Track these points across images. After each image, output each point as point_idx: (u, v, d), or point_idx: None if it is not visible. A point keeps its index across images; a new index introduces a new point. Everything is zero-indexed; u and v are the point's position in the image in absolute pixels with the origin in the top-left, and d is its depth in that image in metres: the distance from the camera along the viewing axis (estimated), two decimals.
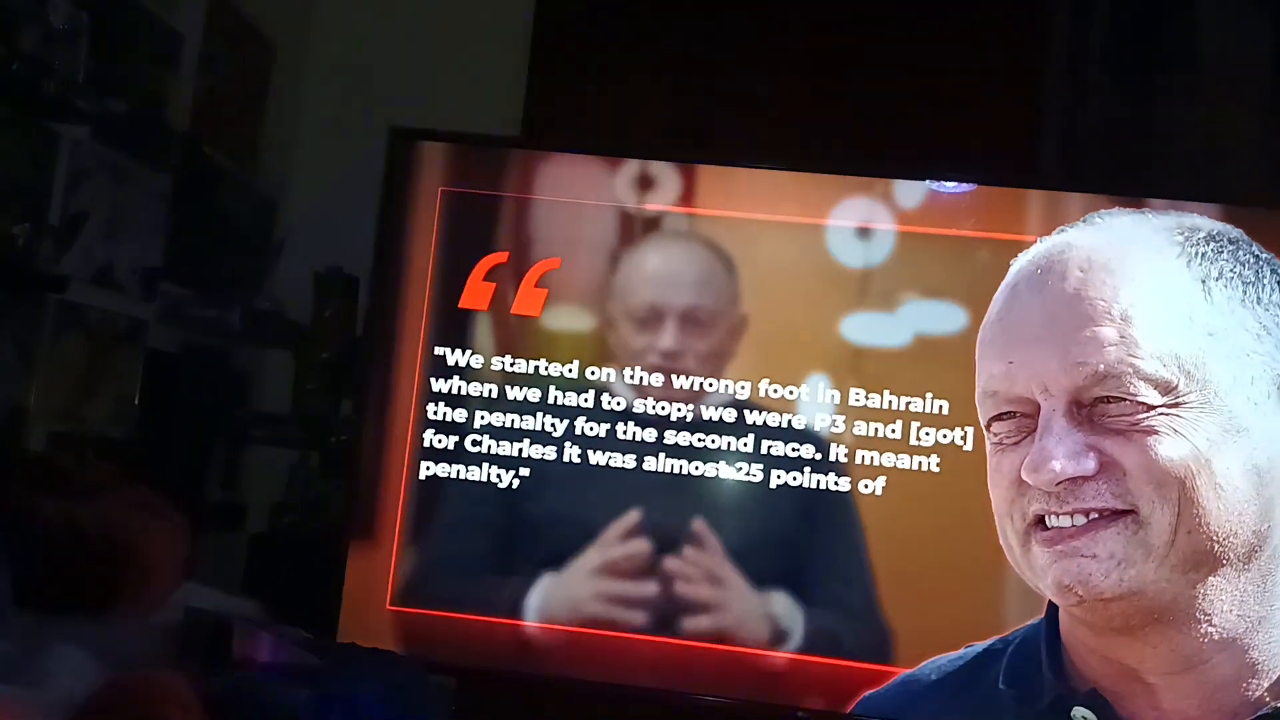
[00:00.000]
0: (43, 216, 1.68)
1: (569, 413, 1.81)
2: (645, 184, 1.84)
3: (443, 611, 1.78)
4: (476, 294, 1.84)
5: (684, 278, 1.83)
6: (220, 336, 2.20)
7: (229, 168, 2.25)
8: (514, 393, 1.81)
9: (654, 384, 1.80)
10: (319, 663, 1.10)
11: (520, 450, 1.79)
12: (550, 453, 1.79)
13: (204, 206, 2.14)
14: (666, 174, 1.84)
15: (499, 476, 1.78)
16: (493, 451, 1.79)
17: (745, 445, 1.76)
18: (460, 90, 2.27)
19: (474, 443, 1.80)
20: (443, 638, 1.76)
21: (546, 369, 1.81)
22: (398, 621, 1.77)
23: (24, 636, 0.94)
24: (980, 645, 1.40)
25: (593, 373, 1.82)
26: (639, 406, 1.80)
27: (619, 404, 1.80)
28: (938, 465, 1.66)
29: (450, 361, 1.82)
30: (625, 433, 1.79)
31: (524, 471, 1.79)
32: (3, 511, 0.99)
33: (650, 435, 1.79)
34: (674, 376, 1.80)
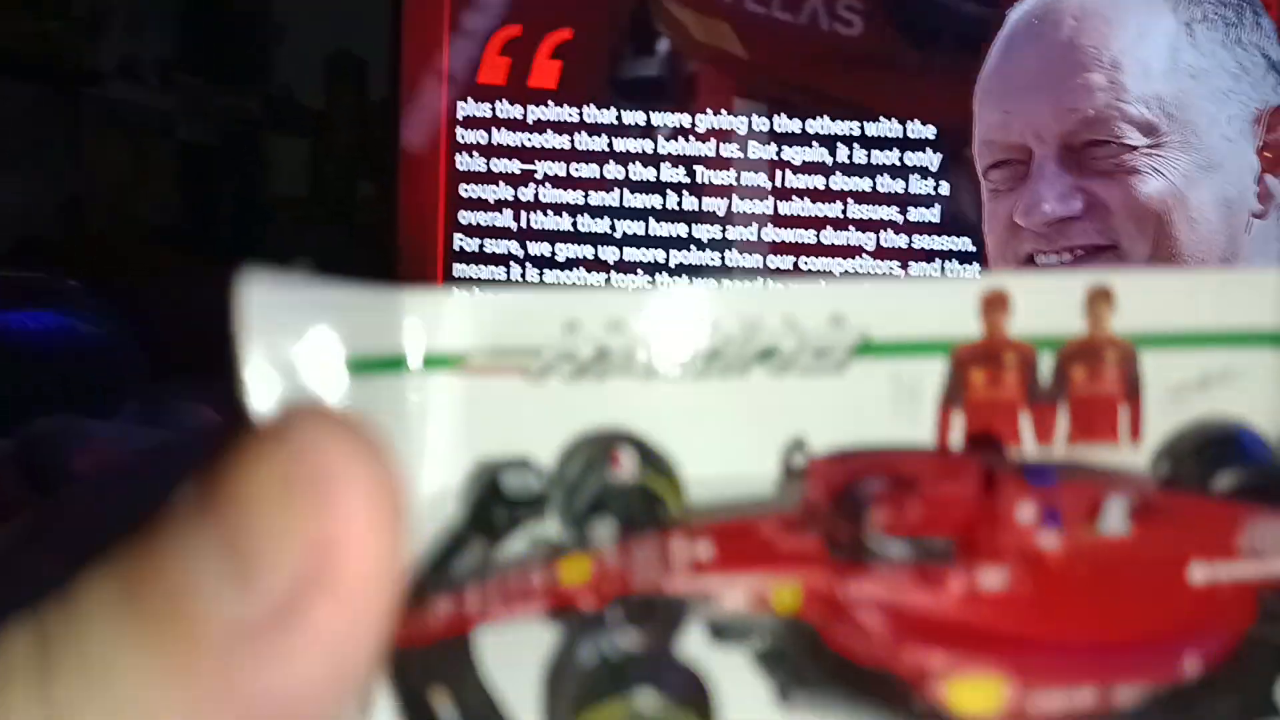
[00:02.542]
0: (70, 10, 1.72)
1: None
2: None
3: None
4: (493, 69, 1.89)
5: None
6: (239, 123, 2.26)
7: None
8: None
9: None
10: None
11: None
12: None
13: None
14: None
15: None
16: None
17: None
18: None
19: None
20: None
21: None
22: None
23: (155, 398, 1.09)
24: None
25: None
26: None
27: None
28: None
29: (471, 140, 1.90)
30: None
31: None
32: (124, 291, 1.11)
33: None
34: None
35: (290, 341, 0.23)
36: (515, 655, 0.26)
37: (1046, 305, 0.33)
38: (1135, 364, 0.34)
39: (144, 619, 0.17)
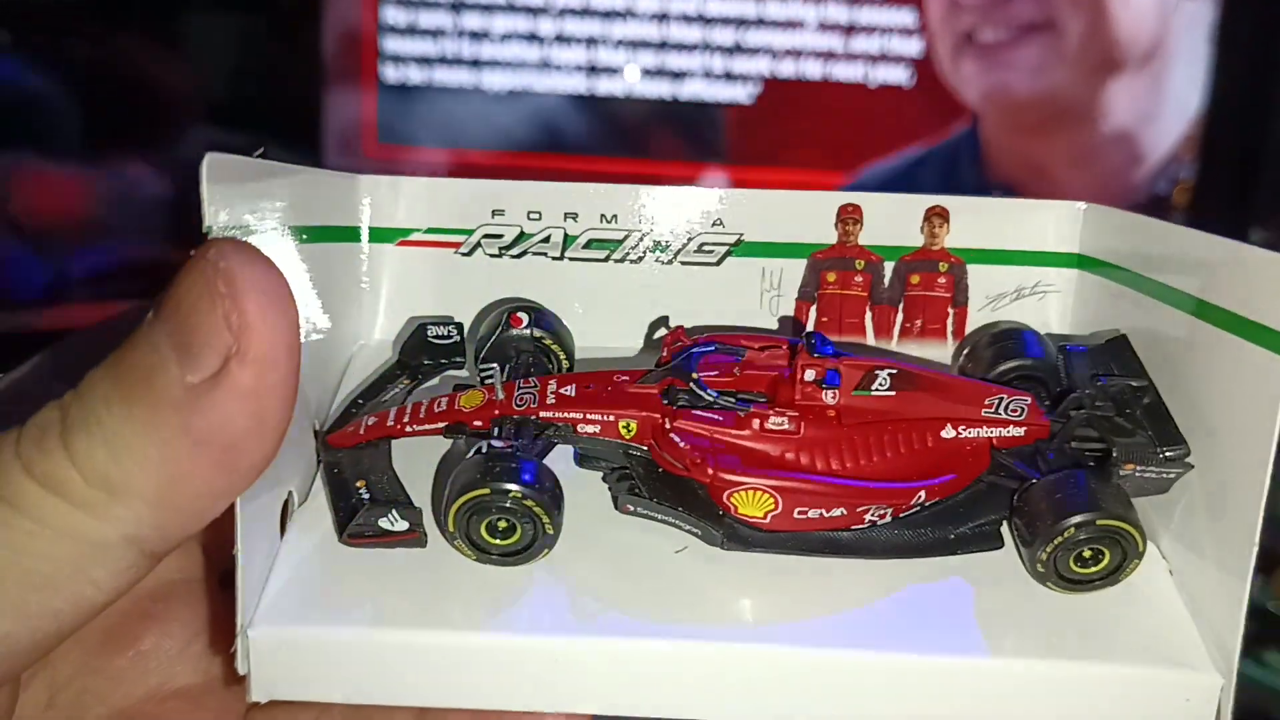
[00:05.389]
0: None
1: None
2: None
3: None
4: None
5: None
6: None
7: None
8: None
9: None
10: None
11: None
12: None
13: None
14: None
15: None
16: None
17: None
18: None
19: None
20: None
21: None
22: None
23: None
24: (914, 154, 1.57)
25: None
26: None
27: None
28: None
29: None
30: None
31: None
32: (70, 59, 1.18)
33: None
34: None
35: (247, 211, 0.30)
36: (419, 457, 0.34)
37: (892, 220, 0.40)
38: (964, 275, 0.41)
39: (127, 389, 0.25)
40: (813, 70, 1.45)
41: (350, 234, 0.39)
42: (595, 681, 0.29)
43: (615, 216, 0.39)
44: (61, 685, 0.32)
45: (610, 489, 0.33)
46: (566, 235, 0.40)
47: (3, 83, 1.24)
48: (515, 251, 0.40)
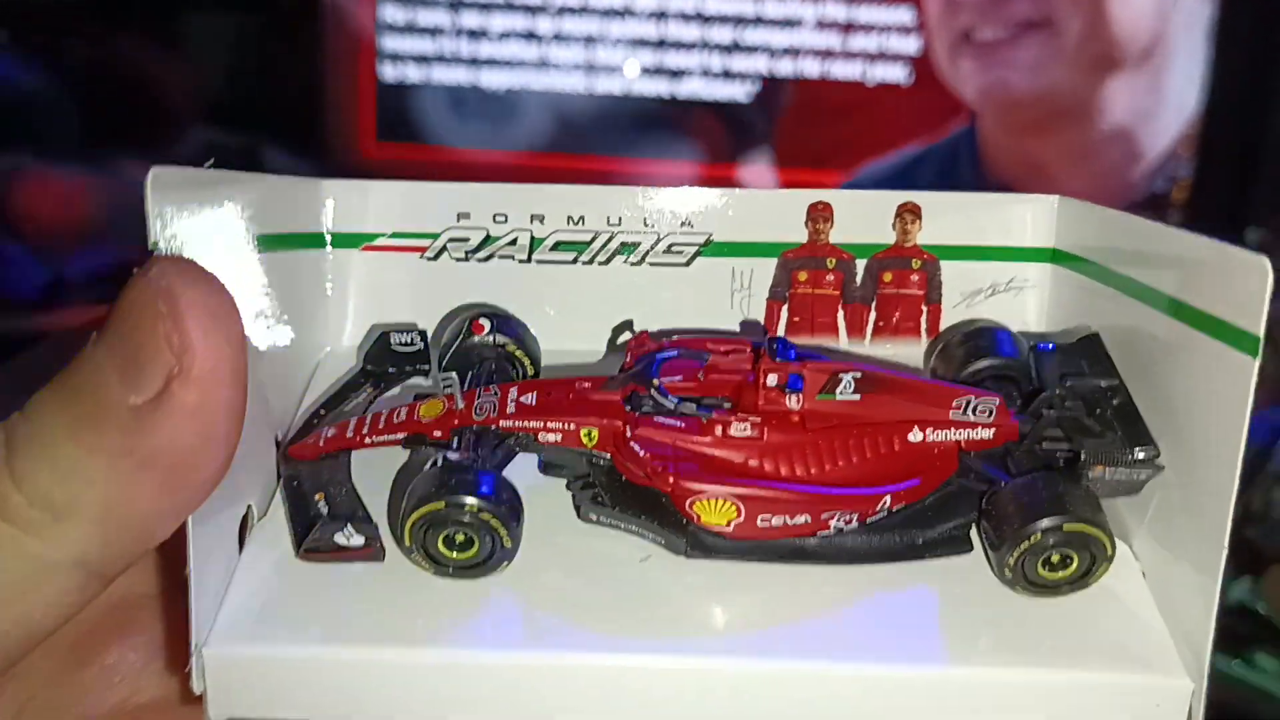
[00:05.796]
0: None
1: None
2: None
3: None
4: None
5: None
6: None
7: None
8: None
9: None
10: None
11: None
12: None
13: None
14: None
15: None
16: None
17: None
18: None
19: None
20: None
21: None
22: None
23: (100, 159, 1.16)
24: (912, 152, 1.56)
25: None
26: None
27: None
28: None
29: None
30: None
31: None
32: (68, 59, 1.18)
33: None
34: None
35: (199, 223, 0.29)
36: (376, 469, 0.33)
37: (863, 217, 0.40)
38: (937, 272, 0.40)
39: (72, 410, 0.25)
40: (811, 68, 1.44)
41: (314, 240, 0.39)
42: (558, 697, 0.29)
43: (583, 218, 0.39)
44: (29, 697, 0.32)
45: (573, 497, 0.32)
46: (533, 238, 0.39)
47: (3, 83, 1.25)
48: (482, 255, 0.39)
